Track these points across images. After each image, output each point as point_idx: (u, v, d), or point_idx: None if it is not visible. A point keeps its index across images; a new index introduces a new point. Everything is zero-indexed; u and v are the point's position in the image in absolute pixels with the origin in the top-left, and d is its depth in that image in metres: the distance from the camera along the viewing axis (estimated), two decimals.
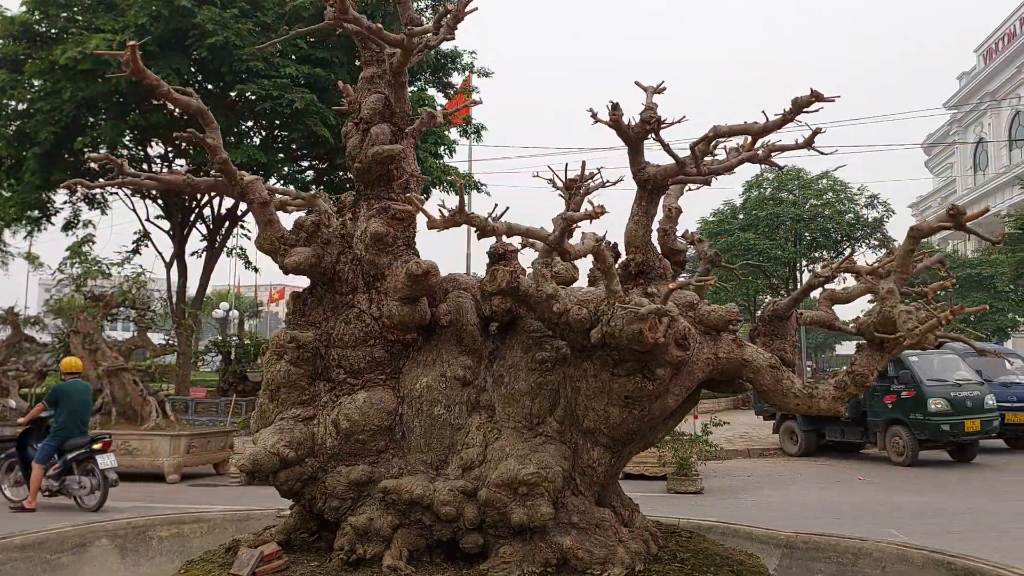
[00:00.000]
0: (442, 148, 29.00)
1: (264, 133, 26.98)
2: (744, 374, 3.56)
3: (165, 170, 26.18)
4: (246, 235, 35.29)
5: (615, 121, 3.47)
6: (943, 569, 4.63)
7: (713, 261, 4.49)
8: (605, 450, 3.68)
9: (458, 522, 3.51)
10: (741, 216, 37.31)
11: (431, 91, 27.95)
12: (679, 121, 3.40)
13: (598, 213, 2.79)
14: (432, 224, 2.81)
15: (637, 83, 3.77)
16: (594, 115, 3.66)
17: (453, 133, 30.88)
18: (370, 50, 3.92)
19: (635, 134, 3.51)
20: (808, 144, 3.31)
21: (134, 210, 26.41)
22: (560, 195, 4.60)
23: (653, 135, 3.26)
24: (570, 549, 3.43)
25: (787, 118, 3.11)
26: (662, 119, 3.52)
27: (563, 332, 3.54)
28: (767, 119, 3.14)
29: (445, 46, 27.71)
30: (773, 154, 3.34)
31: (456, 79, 28.40)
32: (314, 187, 30.68)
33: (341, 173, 28.59)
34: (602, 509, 3.62)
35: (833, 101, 2.92)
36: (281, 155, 27.61)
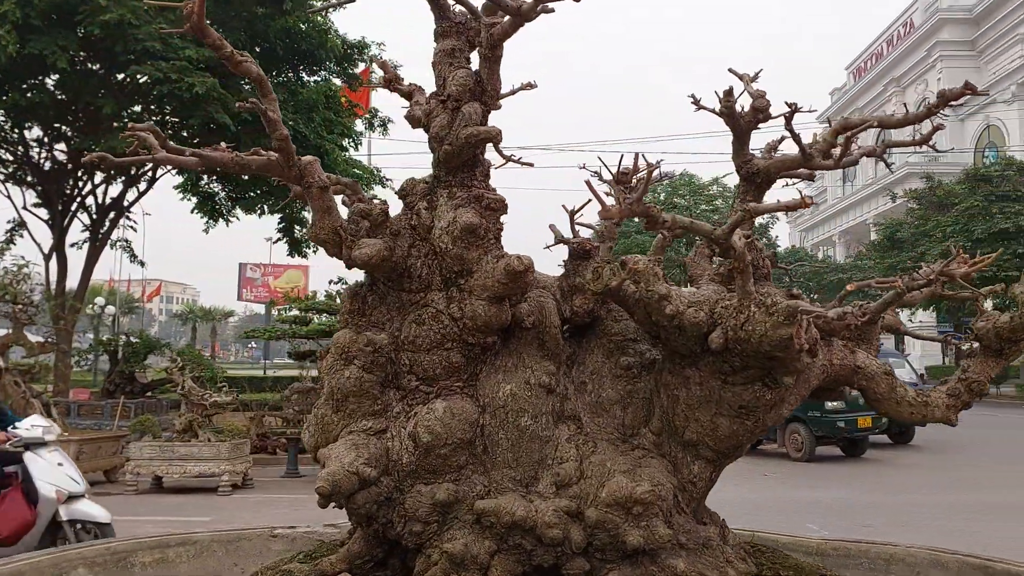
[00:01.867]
0: (347, 140, 28.11)
1: (156, 119, 25.27)
2: (856, 381, 3.42)
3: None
4: (132, 227, 32.91)
5: (728, 108, 3.24)
6: (979, 573, 4.70)
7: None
8: (707, 464, 3.45)
9: (563, 546, 3.19)
10: (636, 219, 38.31)
11: (336, 81, 27.05)
12: (796, 111, 3.20)
13: (807, 203, 2.55)
14: (607, 214, 2.49)
15: (731, 70, 3.56)
16: (696, 101, 3.43)
17: (359, 125, 29.95)
18: (448, 20, 3.52)
19: (746, 123, 3.30)
20: (925, 141, 3.20)
21: (8, 197, 24.15)
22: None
23: (785, 127, 3.06)
24: (684, 573, 3.18)
25: (932, 111, 2.99)
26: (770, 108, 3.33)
27: (670, 337, 3.28)
28: (907, 111, 3.00)
29: (352, 36, 26.89)
30: (889, 150, 3.21)
31: (370, 69, 27.57)
32: (206, 177, 29.01)
33: None
34: (705, 527, 3.39)
35: (987, 95, 2.82)
36: (172, 143, 25.92)
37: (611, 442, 3.47)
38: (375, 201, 3.52)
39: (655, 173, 4.21)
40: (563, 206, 3.81)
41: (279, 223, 29.08)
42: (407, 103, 3.89)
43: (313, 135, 24.57)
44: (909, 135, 3.26)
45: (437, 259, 3.47)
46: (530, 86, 3.66)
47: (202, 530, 5.30)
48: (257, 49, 24.56)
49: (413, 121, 3.85)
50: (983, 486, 15.89)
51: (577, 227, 3.86)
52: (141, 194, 28.25)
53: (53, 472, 8.31)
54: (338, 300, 25.24)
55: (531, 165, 3.49)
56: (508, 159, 3.42)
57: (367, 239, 3.41)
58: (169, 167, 28.56)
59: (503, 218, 3.45)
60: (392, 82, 3.99)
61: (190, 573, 4.92)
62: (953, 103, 2.92)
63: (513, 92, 3.60)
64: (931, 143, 3.20)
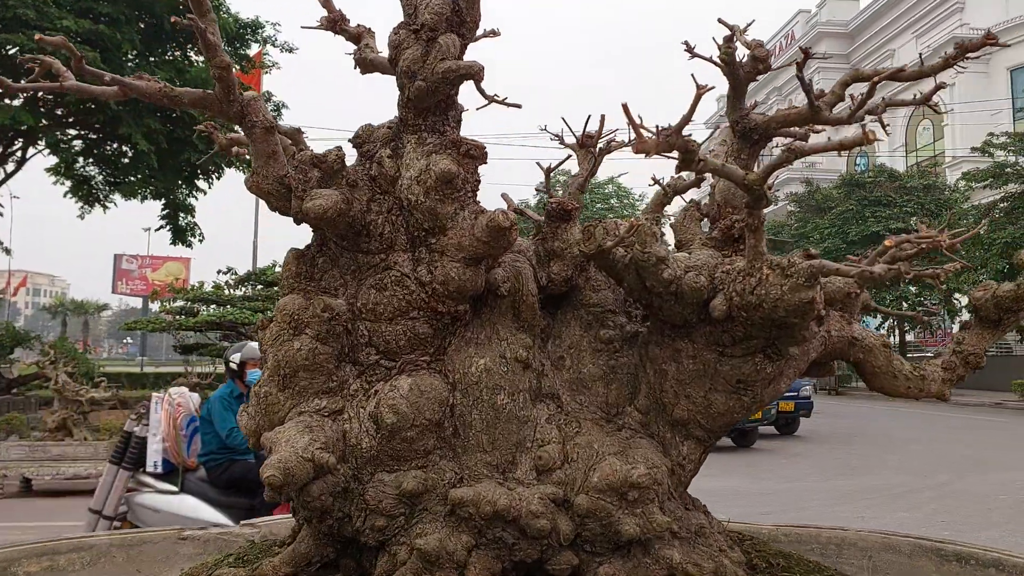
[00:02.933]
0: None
1: (28, 93, 23.25)
2: (851, 354, 3.22)
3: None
4: None
5: (728, 57, 2.96)
6: (933, 555, 4.66)
7: None
8: (697, 444, 3.16)
9: (549, 538, 2.82)
10: (610, 187, 38.33)
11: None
12: (809, 57, 2.95)
13: (871, 138, 2.26)
14: (642, 147, 2.14)
15: (721, 20, 3.29)
16: (690, 49, 3.13)
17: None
18: None
19: (745, 74, 3.03)
20: (926, 100, 3.03)
21: None
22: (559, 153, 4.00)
23: (797, 75, 2.80)
24: (679, 565, 2.88)
25: (949, 63, 2.80)
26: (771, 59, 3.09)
27: (663, 305, 2.97)
28: (922, 63, 2.81)
29: (245, 14, 25.62)
30: (889, 108, 3.02)
31: (263, 51, 26.36)
32: (81, 159, 26.92)
33: (117, 144, 25.33)
34: (696, 513, 3.11)
35: (1008, 46, 2.65)
36: (45, 120, 23.98)
37: (595, 422, 3.14)
38: (332, 150, 3.04)
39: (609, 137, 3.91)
40: (537, 163, 3.45)
41: (162, 209, 27.24)
42: (354, 47, 3.43)
43: (202, 118, 23.11)
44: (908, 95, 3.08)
45: (403, 215, 3.03)
46: (494, 33, 3.27)
47: (101, 534, 4.61)
48: (141, 24, 22.90)
49: (364, 65, 3.39)
50: (866, 472, 16.71)
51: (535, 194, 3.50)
52: (8, 175, 25.87)
53: None
54: (227, 291, 23.93)
55: (519, 106, 3.10)
56: (491, 99, 3.02)
57: (323, 190, 2.93)
58: (42, 147, 26.28)
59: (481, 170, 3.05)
60: (337, 23, 3.50)
61: None
62: (971, 55, 2.76)
63: (484, 35, 3.20)
64: (933, 103, 3.03)
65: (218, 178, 28.29)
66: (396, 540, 2.84)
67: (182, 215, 27.05)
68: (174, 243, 28.27)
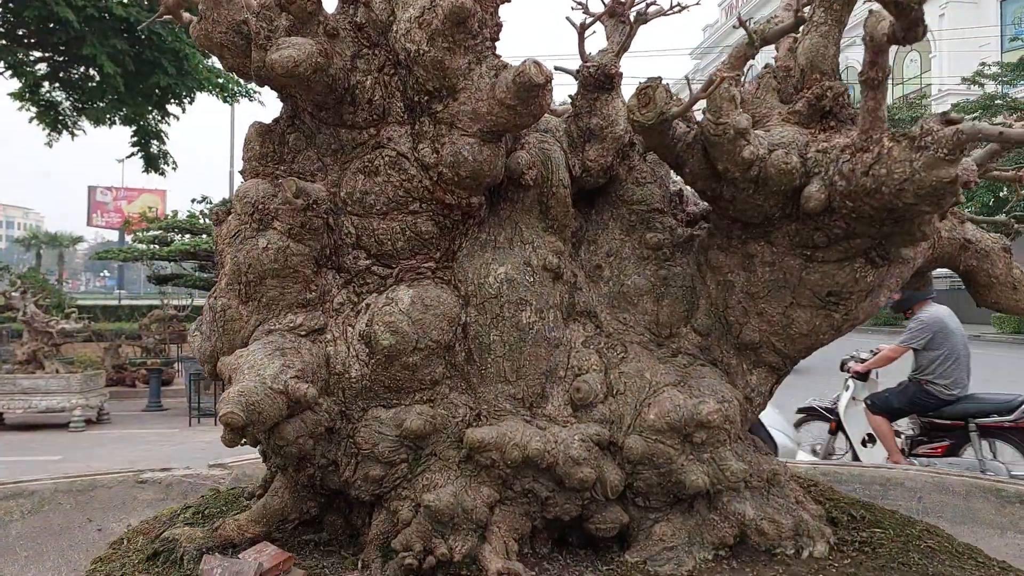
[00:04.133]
0: None
1: None
2: (962, 260, 2.57)
3: None
4: None
5: None
6: (992, 496, 4.16)
7: None
8: (769, 372, 2.54)
9: (593, 491, 2.20)
10: None
11: None
12: None
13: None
14: None
15: None
16: None
17: None
18: None
19: None
20: None
21: None
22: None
23: None
24: (753, 521, 2.28)
25: None
26: None
27: (737, 196, 2.30)
28: None
29: None
30: None
31: None
32: (47, 83, 25.51)
33: (84, 68, 23.95)
34: (768, 457, 2.50)
35: None
36: (5, 41, 22.52)
37: (643, 346, 2.50)
38: None
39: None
40: (567, 19, 2.71)
41: (132, 136, 25.96)
42: None
43: (170, 35, 21.76)
44: None
45: (399, 74, 2.30)
46: None
47: (44, 477, 3.98)
48: None
49: None
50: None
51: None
52: None
53: None
54: (202, 220, 23.02)
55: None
56: None
57: (293, 39, 2.19)
58: (2, 69, 24.90)
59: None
60: None
61: (25, 534, 3.64)
62: None
63: None
64: None
65: (191, 102, 26.95)
66: (396, 494, 2.21)
67: (154, 143, 25.83)
68: (146, 171, 27.06)
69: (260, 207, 2.20)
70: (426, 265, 2.37)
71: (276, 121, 2.45)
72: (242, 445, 2.10)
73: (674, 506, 2.27)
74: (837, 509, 2.69)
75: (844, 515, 2.64)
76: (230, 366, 2.10)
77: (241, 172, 2.45)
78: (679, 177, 2.50)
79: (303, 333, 2.23)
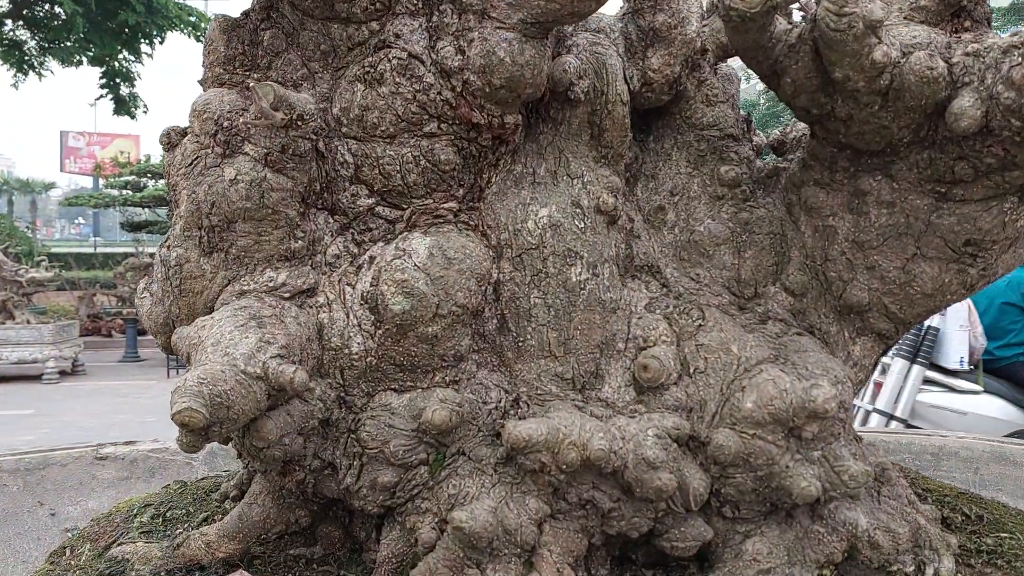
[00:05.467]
0: None
1: None
2: None
3: None
4: None
5: None
6: None
7: None
8: (877, 342, 2.02)
9: (672, 501, 1.69)
10: None
11: None
12: None
13: None
14: None
15: None
16: None
17: None
18: None
19: None
20: None
21: None
22: None
23: None
24: (866, 533, 1.79)
25: None
26: None
27: (859, 113, 1.75)
28: None
29: None
30: None
31: None
32: (9, 21, 24.23)
33: (49, 5, 22.68)
34: (872, 447, 1.99)
35: None
36: None
37: (723, 309, 1.96)
38: None
39: None
40: None
41: (101, 77, 24.77)
42: None
43: None
44: None
45: None
46: None
47: None
48: None
49: None
50: None
51: None
52: None
53: None
54: None
55: None
56: None
57: None
58: None
59: None
60: None
61: None
62: None
63: None
64: None
65: (161, 42, 25.71)
66: (415, 506, 1.69)
67: (123, 84, 24.69)
68: (117, 114, 25.97)
69: (226, 125, 1.61)
70: (446, 206, 1.81)
71: (246, 15, 1.85)
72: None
73: (769, 516, 1.77)
74: (943, 504, 2.21)
75: (956, 514, 2.16)
76: (189, 340, 1.54)
77: (201, 83, 1.86)
78: (771, 92, 1.94)
79: (287, 295, 1.67)
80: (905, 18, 1.89)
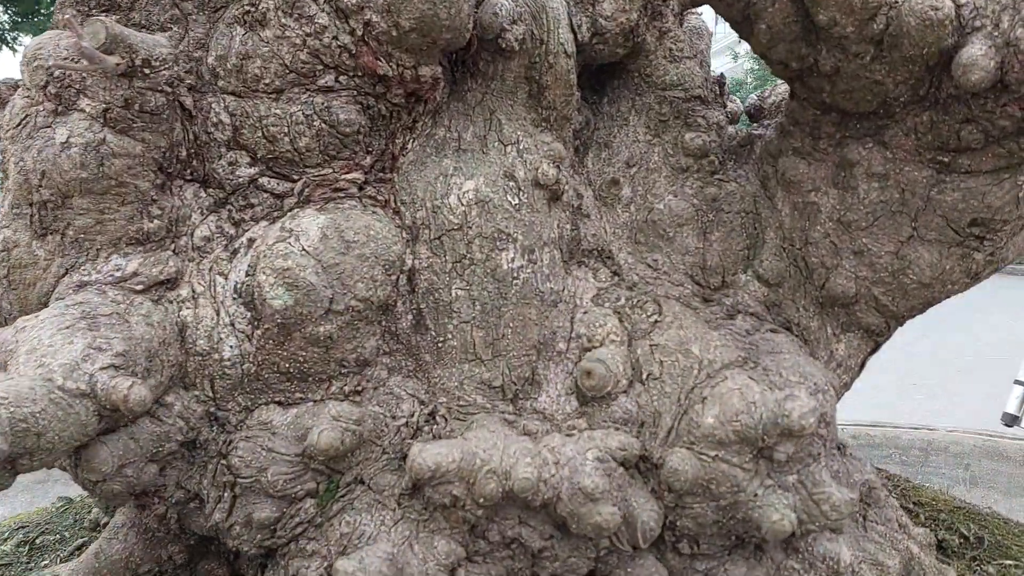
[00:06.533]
0: None
1: None
2: None
3: None
4: None
5: None
6: None
7: None
8: (865, 339, 1.73)
9: (617, 539, 1.39)
10: None
11: None
12: None
13: None
14: None
15: None
16: None
17: None
18: None
19: None
20: None
21: None
22: None
23: None
24: (849, 567, 1.50)
25: None
26: None
27: (849, 67, 1.45)
28: None
29: None
30: None
31: None
32: None
33: None
34: (858, 462, 1.70)
35: None
36: None
37: (684, 302, 1.66)
38: None
39: None
40: None
41: None
42: None
43: None
44: None
45: None
46: None
47: None
48: None
49: None
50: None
51: None
52: None
53: None
54: None
55: None
56: None
57: None
58: None
59: None
60: None
61: None
62: None
63: None
64: None
65: None
66: (298, 547, 1.38)
67: None
68: None
69: (58, 75, 1.28)
70: (348, 177, 1.49)
71: None
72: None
73: (734, 551, 1.48)
74: (937, 523, 1.94)
75: (953, 535, 1.88)
76: (4, 346, 1.22)
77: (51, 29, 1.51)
78: (744, 43, 1.63)
79: (139, 287, 1.35)
80: None
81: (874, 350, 1.78)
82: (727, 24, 1.64)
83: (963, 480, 3.56)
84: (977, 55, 1.33)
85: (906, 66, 1.41)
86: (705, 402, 1.41)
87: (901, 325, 1.75)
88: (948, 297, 1.68)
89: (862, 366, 1.79)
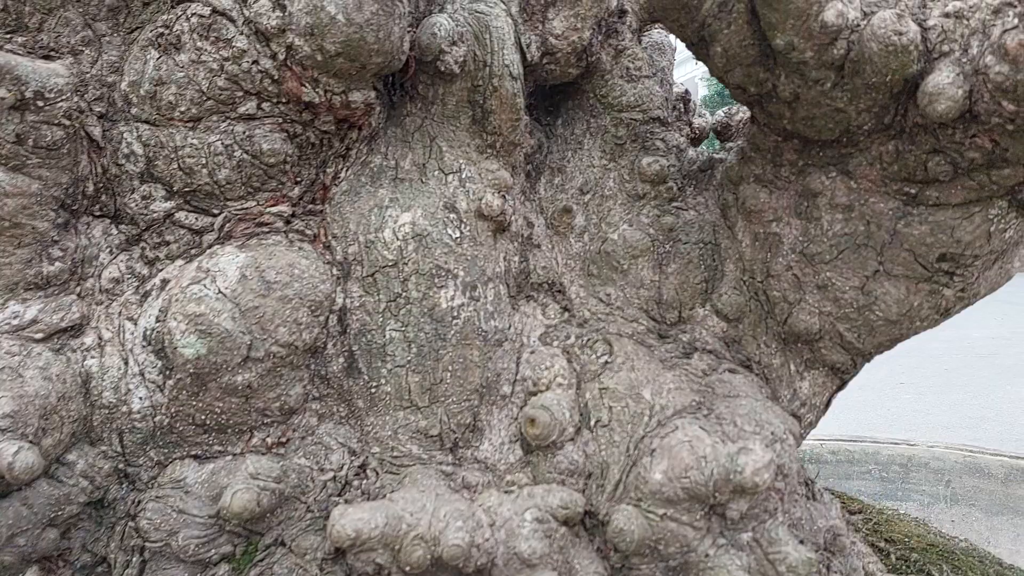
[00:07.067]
0: None
1: None
2: None
3: None
4: None
5: None
6: None
7: None
8: (830, 377, 1.64)
9: None
10: None
11: None
12: None
13: None
14: None
15: None
16: None
17: None
18: None
19: None
20: None
21: None
22: None
23: None
24: None
25: None
26: None
27: (808, 93, 1.35)
28: None
29: None
30: None
31: None
32: None
33: None
34: (823, 505, 1.61)
35: None
36: None
37: (639, 339, 1.56)
38: None
39: None
40: None
41: None
42: None
43: None
44: None
45: None
46: None
47: None
48: None
49: None
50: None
51: None
52: None
53: None
54: None
55: None
56: None
57: None
58: None
59: None
60: None
61: None
62: None
63: None
64: None
65: None
66: None
67: None
68: None
69: None
70: (274, 210, 1.39)
71: None
72: None
73: None
74: (908, 563, 1.85)
75: (902, 561, 1.79)
76: None
77: None
78: (701, 64, 1.53)
79: (38, 336, 1.24)
80: None
81: (840, 387, 1.69)
82: None
83: (944, 497, 3.49)
84: (944, 83, 1.24)
85: (869, 93, 1.32)
86: (654, 455, 1.31)
87: (868, 361, 1.66)
88: (917, 333, 1.59)
89: (827, 404, 1.70)
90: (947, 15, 1.29)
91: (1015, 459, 3.59)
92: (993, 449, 3.72)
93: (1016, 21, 1.19)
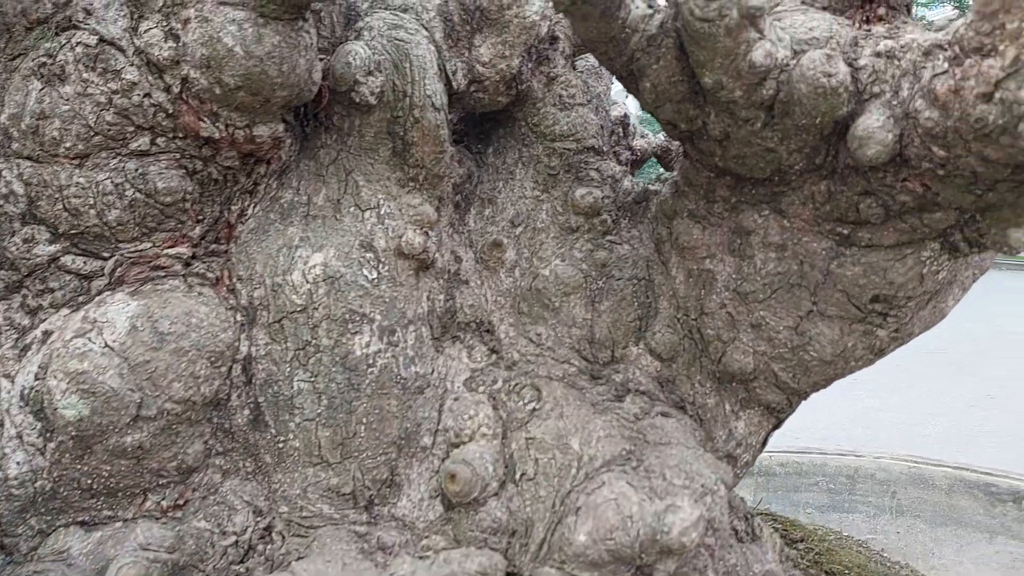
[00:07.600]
0: None
1: None
2: None
3: None
4: None
5: None
6: (980, 492, 3.45)
7: None
8: (765, 416, 1.59)
9: None
10: None
11: None
12: None
13: None
14: None
15: None
16: None
17: None
18: None
19: None
20: None
21: None
22: None
23: None
24: None
25: None
26: None
27: (739, 132, 1.30)
28: None
29: None
30: None
31: None
32: None
33: None
34: (757, 548, 1.57)
35: None
36: None
37: (569, 382, 1.50)
38: None
39: None
40: None
41: None
42: None
43: None
44: None
45: None
46: None
47: None
48: None
49: None
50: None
51: None
52: None
53: None
54: None
55: None
56: None
57: None
58: None
59: None
60: None
61: None
62: None
63: None
64: None
65: None
66: None
67: None
68: None
69: None
70: (172, 252, 1.28)
71: None
72: None
73: None
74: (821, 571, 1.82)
75: None
76: None
77: None
78: (631, 98, 1.47)
79: None
80: (803, 2, 1.43)
81: (776, 426, 1.64)
82: None
83: (889, 508, 3.50)
84: (874, 127, 1.19)
85: (800, 134, 1.26)
86: (579, 513, 1.24)
87: (805, 400, 1.61)
88: (852, 373, 1.55)
89: (764, 443, 1.65)
90: (878, 54, 1.24)
91: (958, 470, 3.63)
92: (936, 460, 3.75)
93: (946, 65, 1.14)
